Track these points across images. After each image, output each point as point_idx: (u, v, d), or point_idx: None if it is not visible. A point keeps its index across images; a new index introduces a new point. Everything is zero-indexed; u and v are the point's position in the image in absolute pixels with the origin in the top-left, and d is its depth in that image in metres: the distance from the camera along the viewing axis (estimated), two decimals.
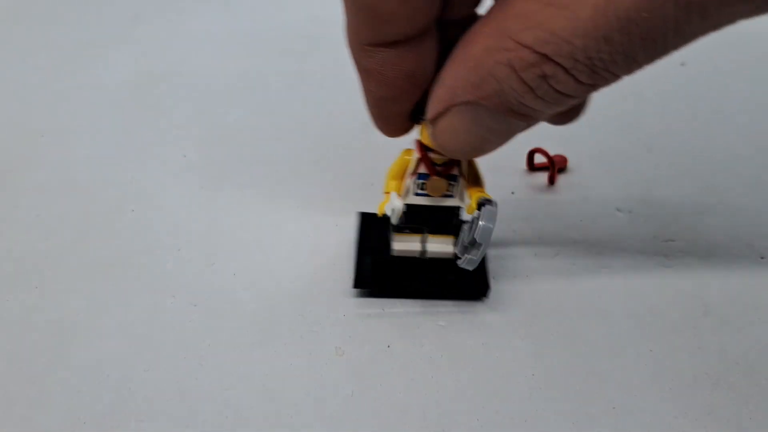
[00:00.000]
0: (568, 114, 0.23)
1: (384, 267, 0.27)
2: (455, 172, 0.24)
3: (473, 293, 0.27)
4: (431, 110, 0.20)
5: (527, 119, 0.19)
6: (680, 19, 0.14)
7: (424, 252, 0.26)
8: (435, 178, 0.24)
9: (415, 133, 0.24)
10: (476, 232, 0.22)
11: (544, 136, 0.35)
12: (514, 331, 0.26)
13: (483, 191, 0.24)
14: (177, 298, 0.27)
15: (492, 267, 0.28)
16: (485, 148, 0.20)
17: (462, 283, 0.26)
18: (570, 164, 0.33)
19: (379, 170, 0.32)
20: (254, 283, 0.27)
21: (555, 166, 0.32)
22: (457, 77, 0.18)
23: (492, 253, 0.29)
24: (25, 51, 0.42)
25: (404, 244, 0.26)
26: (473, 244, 0.23)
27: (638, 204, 0.31)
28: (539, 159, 0.33)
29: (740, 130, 0.35)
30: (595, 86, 0.17)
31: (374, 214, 0.26)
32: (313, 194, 0.31)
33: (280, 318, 0.26)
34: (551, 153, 0.32)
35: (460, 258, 0.23)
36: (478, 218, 0.23)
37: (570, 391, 0.24)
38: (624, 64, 0.16)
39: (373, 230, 0.28)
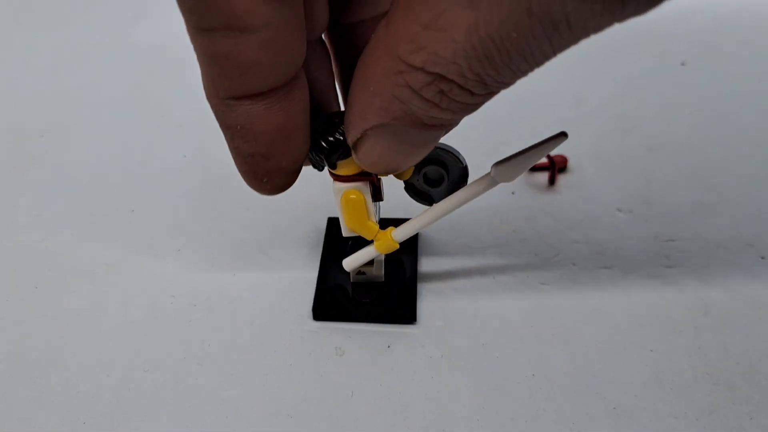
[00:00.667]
0: None
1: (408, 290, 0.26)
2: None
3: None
4: (349, 137, 0.19)
5: (442, 128, 0.19)
6: (549, 34, 0.14)
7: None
8: (379, 184, 0.24)
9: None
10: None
11: (544, 135, 0.35)
12: (514, 331, 0.26)
13: None
14: (177, 298, 0.27)
15: (492, 267, 0.28)
16: (410, 161, 0.20)
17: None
18: (570, 164, 0.33)
19: None
20: (254, 283, 0.27)
21: (555, 166, 0.32)
22: (363, 102, 0.18)
23: (493, 253, 0.29)
24: (25, 51, 0.42)
25: (380, 264, 0.26)
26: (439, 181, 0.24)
27: (638, 204, 0.31)
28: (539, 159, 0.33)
29: (740, 130, 0.35)
30: (492, 93, 0.17)
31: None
32: (314, 193, 0.31)
33: (280, 318, 0.26)
34: (552, 153, 0.32)
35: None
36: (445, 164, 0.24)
37: (570, 391, 0.24)
38: (511, 75, 0.16)
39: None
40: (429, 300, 0.27)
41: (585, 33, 0.15)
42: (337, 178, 0.23)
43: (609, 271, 0.28)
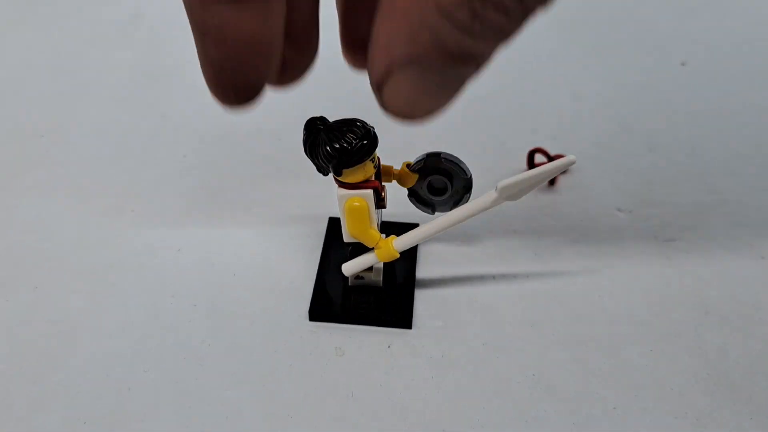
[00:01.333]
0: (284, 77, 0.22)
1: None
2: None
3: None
4: (373, 76, 0.18)
5: (473, 62, 0.18)
6: None
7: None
8: (383, 192, 0.24)
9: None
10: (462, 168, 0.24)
11: (544, 135, 0.35)
12: (514, 331, 0.26)
13: (388, 166, 0.25)
14: (177, 298, 0.27)
15: (492, 267, 0.28)
16: (439, 105, 0.19)
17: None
18: None
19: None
20: (254, 283, 0.27)
21: None
22: (390, 35, 0.17)
23: (493, 253, 0.29)
24: (25, 51, 0.42)
25: (379, 270, 0.26)
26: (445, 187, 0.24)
27: (639, 204, 0.31)
28: (540, 159, 0.33)
29: (740, 130, 0.35)
30: (527, 13, 0.16)
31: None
32: (314, 193, 0.31)
33: (280, 318, 0.26)
34: (551, 153, 0.32)
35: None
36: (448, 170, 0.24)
37: (570, 391, 0.24)
38: None
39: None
40: (429, 300, 0.27)
41: None
42: (342, 185, 0.23)
43: (609, 271, 0.28)
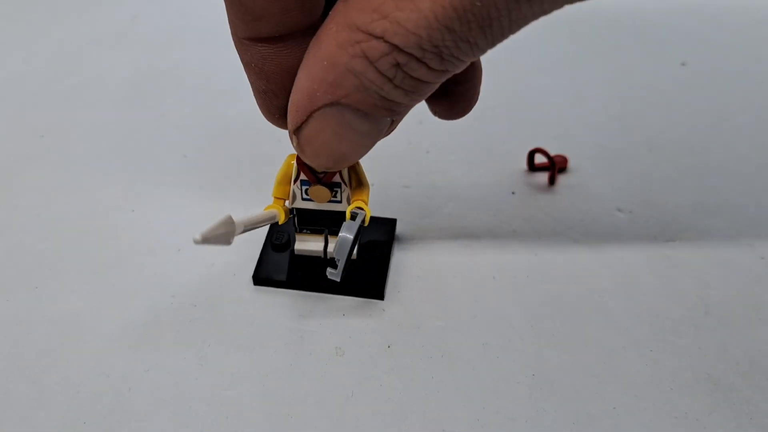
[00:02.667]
0: (456, 109, 0.23)
1: (291, 262, 0.27)
2: (337, 179, 0.24)
3: (370, 293, 0.27)
4: (292, 120, 0.19)
5: (391, 113, 0.18)
6: (511, 6, 0.15)
7: (325, 252, 0.27)
8: (316, 186, 0.24)
9: None
10: (335, 245, 0.23)
11: (544, 136, 0.35)
12: (514, 330, 0.26)
13: (363, 198, 0.24)
14: (177, 298, 0.27)
15: (492, 267, 0.28)
16: (355, 153, 0.20)
17: (360, 282, 0.26)
18: (570, 164, 0.33)
19: (387, 172, 0.32)
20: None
21: (555, 166, 0.32)
22: (314, 79, 0.18)
23: (493, 253, 0.29)
24: (26, 51, 0.42)
25: (306, 245, 0.27)
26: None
27: (639, 204, 0.31)
28: (540, 159, 0.33)
29: (740, 130, 0.35)
30: (446, 71, 0.17)
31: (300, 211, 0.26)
32: None
33: (280, 318, 0.26)
34: (552, 153, 0.32)
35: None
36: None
37: (570, 391, 0.24)
38: (468, 50, 0.16)
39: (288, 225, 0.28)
40: (429, 300, 0.27)
41: (541, 10, 0.15)
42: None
43: (609, 271, 0.28)
